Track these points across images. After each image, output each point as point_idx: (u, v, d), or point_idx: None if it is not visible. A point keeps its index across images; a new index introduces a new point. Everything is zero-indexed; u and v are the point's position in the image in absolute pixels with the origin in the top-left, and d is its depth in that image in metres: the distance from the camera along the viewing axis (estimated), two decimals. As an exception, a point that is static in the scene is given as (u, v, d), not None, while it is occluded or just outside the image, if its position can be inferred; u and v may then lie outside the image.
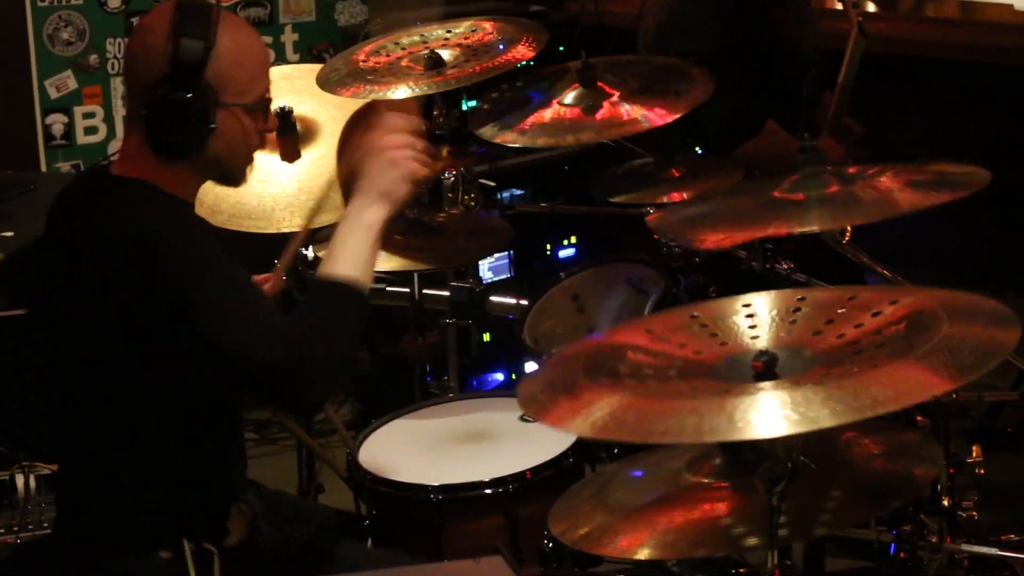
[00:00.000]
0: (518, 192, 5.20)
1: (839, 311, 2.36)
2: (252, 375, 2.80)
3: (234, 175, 3.01)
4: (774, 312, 2.41)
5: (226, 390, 2.91)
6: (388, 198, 2.98)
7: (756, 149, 4.23)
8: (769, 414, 2.11)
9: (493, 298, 4.23)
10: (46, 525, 3.55)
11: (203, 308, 2.77)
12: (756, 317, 2.41)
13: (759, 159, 4.14)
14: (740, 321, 2.41)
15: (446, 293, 4.19)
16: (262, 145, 3.04)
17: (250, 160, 3.02)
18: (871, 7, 4.40)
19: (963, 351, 2.14)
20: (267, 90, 2.99)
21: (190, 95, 2.84)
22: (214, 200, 3.41)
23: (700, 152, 4.39)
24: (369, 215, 2.96)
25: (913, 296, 2.35)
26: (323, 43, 5.87)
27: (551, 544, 3.08)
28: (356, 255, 2.93)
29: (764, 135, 4.28)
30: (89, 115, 5.46)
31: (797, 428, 2.08)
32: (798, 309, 2.39)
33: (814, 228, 2.86)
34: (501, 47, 3.89)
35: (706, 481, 2.49)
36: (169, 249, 2.79)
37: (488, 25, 4.02)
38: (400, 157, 3.00)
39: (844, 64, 4.11)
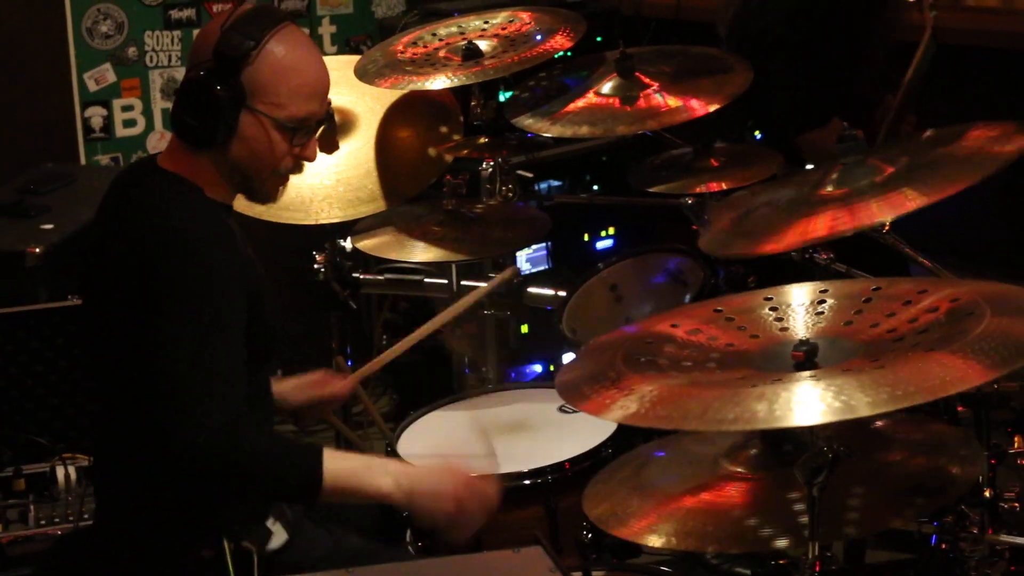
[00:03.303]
0: (555, 183, 5.19)
1: (864, 301, 2.35)
2: (165, 420, 2.69)
3: (256, 189, 2.96)
4: (798, 304, 2.41)
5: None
6: (416, 496, 2.86)
7: (819, 140, 4.20)
8: (834, 404, 2.10)
9: (531, 289, 4.22)
10: (86, 516, 3.56)
11: (169, 338, 2.71)
12: (780, 310, 2.40)
13: (818, 151, 4.12)
14: (765, 314, 2.41)
15: (484, 284, 4.18)
16: (296, 170, 2.98)
17: (278, 179, 2.97)
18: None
19: (1006, 340, 2.13)
20: (311, 115, 2.92)
21: (218, 87, 2.83)
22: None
23: (758, 136, 4.38)
24: (395, 483, 2.84)
25: (942, 287, 2.34)
26: (361, 35, 5.87)
27: (590, 535, 3.07)
28: (350, 480, 2.81)
29: (829, 129, 4.25)
30: (128, 108, 5.48)
31: (863, 413, 2.07)
32: (822, 301, 2.39)
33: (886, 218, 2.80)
34: (539, 37, 3.89)
35: (743, 471, 2.48)
36: (182, 258, 2.76)
37: (526, 15, 4.02)
38: (449, 517, 2.88)
39: (913, 64, 4.07)
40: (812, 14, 4.34)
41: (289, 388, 3.33)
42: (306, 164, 3.01)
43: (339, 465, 2.80)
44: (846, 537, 3.28)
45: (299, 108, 2.90)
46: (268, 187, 2.97)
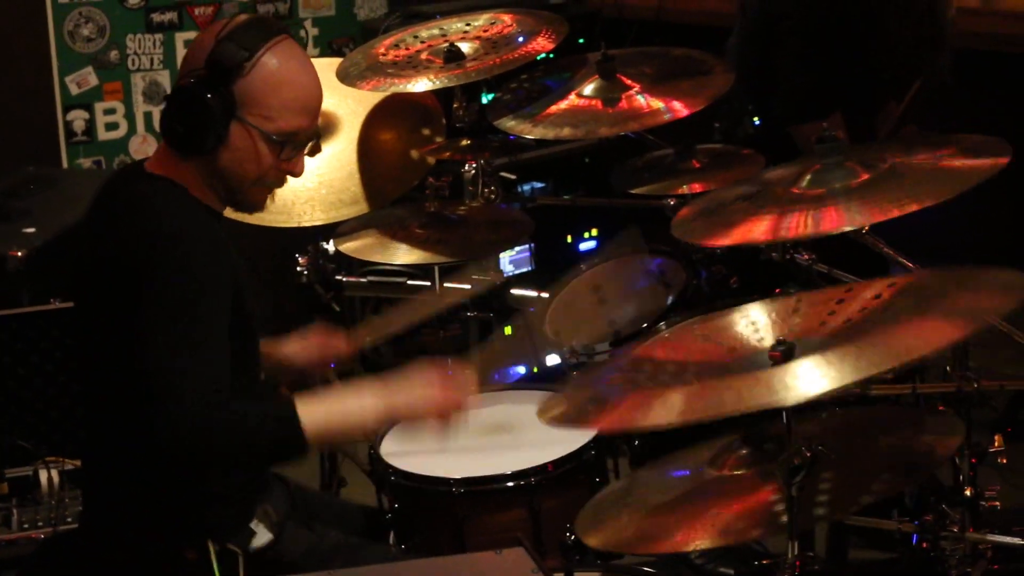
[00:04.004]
0: (538, 185, 5.20)
1: (837, 303, 2.37)
2: (149, 409, 2.69)
3: (239, 199, 2.97)
4: (773, 315, 2.42)
5: None
6: (396, 413, 2.92)
7: (815, 134, 4.21)
8: (817, 375, 2.15)
9: (514, 291, 4.22)
10: (69, 520, 3.56)
11: (152, 330, 2.72)
12: (756, 323, 2.42)
13: (811, 144, 4.14)
14: (742, 329, 2.43)
15: (467, 286, 4.18)
16: (279, 183, 2.99)
17: (261, 190, 2.97)
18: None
19: (978, 304, 2.20)
20: (301, 130, 2.92)
21: (208, 96, 2.84)
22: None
23: (757, 122, 4.39)
24: (374, 410, 2.88)
25: (910, 277, 2.38)
26: (343, 37, 5.87)
27: (573, 537, 3.07)
28: (330, 422, 2.83)
29: (829, 123, 4.26)
30: (110, 111, 5.47)
31: (845, 381, 2.12)
32: (797, 310, 2.41)
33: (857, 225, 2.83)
34: (521, 39, 3.89)
35: (728, 474, 2.50)
36: (168, 256, 2.76)
37: (507, 17, 4.02)
38: (441, 411, 2.92)
39: (923, 75, 4.10)
40: (826, 6, 4.35)
41: (295, 350, 3.34)
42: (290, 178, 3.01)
43: (315, 415, 2.80)
44: (821, 520, 3.29)
45: (288, 122, 2.90)
46: (251, 197, 2.98)
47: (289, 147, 2.92)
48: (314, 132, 2.99)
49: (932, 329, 2.15)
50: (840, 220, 2.75)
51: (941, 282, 2.31)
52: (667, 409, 2.19)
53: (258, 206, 3.01)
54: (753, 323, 2.43)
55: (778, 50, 4.36)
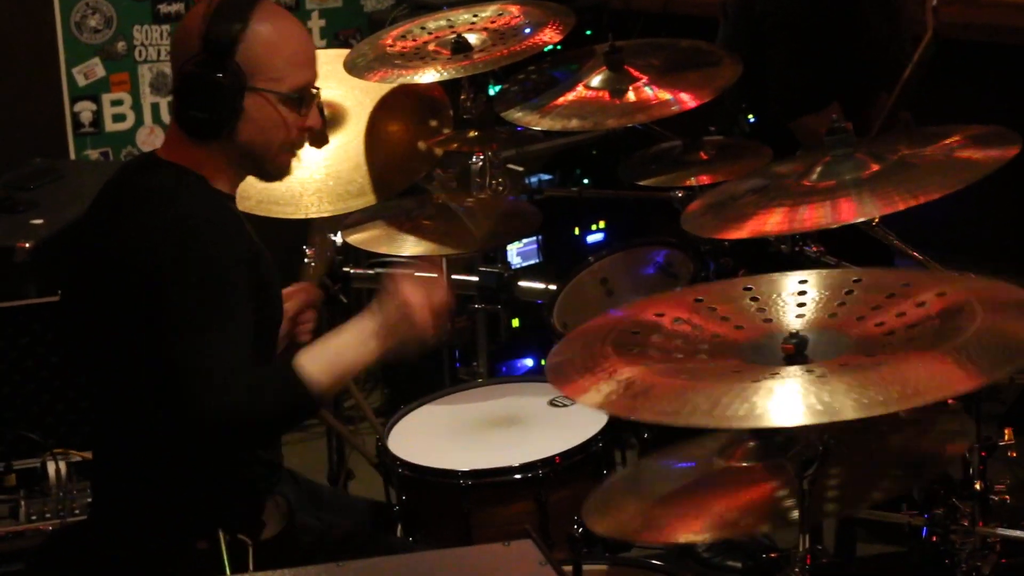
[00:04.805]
0: (546, 176, 5.19)
1: (846, 293, 2.34)
2: (183, 398, 2.71)
3: (270, 168, 2.99)
4: (778, 295, 2.39)
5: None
6: (395, 345, 2.93)
7: (814, 125, 4.20)
8: (791, 403, 2.09)
9: (522, 283, 4.22)
10: (77, 512, 3.56)
11: (179, 319, 2.74)
12: (761, 300, 2.39)
13: (813, 136, 4.12)
14: (747, 304, 2.40)
15: (475, 278, 4.18)
16: (302, 141, 3.02)
17: (289, 153, 2.99)
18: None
19: (993, 348, 2.13)
20: (309, 83, 2.95)
21: (218, 75, 2.84)
22: (242, 186, 3.40)
23: (751, 120, 4.38)
24: (372, 344, 2.91)
25: (925, 280, 2.33)
26: (350, 29, 5.86)
27: (581, 529, 3.07)
28: (336, 366, 2.87)
29: (826, 115, 4.25)
30: (117, 102, 5.47)
31: (818, 419, 2.06)
32: (803, 292, 2.38)
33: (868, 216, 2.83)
34: (528, 31, 3.89)
35: (736, 463, 2.49)
36: (188, 244, 2.77)
37: (515, 9, 4.02)
38: (421, 321, 2.94)
39: (912, 62, 4.08)
40: (807, 3, 4.34)
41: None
42: (308, 140, 3.05)
43: (319, 365, 2.83)
44: (830, 516, 3.28)
45: (297, 77, 2.92)
46: (280, 164, 2.99)
47: (306, 102, 2.95)
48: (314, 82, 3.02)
49: (938, 376, 2.08)
50: (852, 211, 2.74)
51: (963, 297, 2.24)
52: (693, 410, 2.15)
53: (285, 170, 3.02)
54: (758, 299, 2.40)
55: (766, 47, 4.35)
